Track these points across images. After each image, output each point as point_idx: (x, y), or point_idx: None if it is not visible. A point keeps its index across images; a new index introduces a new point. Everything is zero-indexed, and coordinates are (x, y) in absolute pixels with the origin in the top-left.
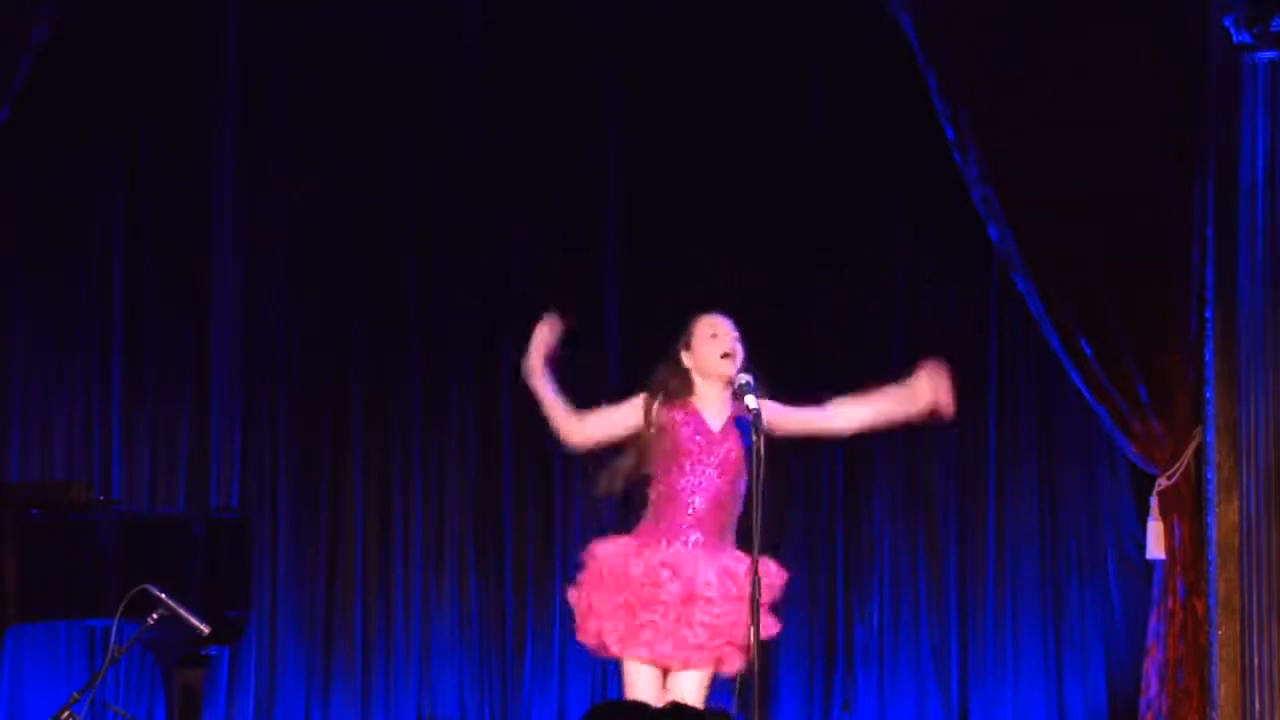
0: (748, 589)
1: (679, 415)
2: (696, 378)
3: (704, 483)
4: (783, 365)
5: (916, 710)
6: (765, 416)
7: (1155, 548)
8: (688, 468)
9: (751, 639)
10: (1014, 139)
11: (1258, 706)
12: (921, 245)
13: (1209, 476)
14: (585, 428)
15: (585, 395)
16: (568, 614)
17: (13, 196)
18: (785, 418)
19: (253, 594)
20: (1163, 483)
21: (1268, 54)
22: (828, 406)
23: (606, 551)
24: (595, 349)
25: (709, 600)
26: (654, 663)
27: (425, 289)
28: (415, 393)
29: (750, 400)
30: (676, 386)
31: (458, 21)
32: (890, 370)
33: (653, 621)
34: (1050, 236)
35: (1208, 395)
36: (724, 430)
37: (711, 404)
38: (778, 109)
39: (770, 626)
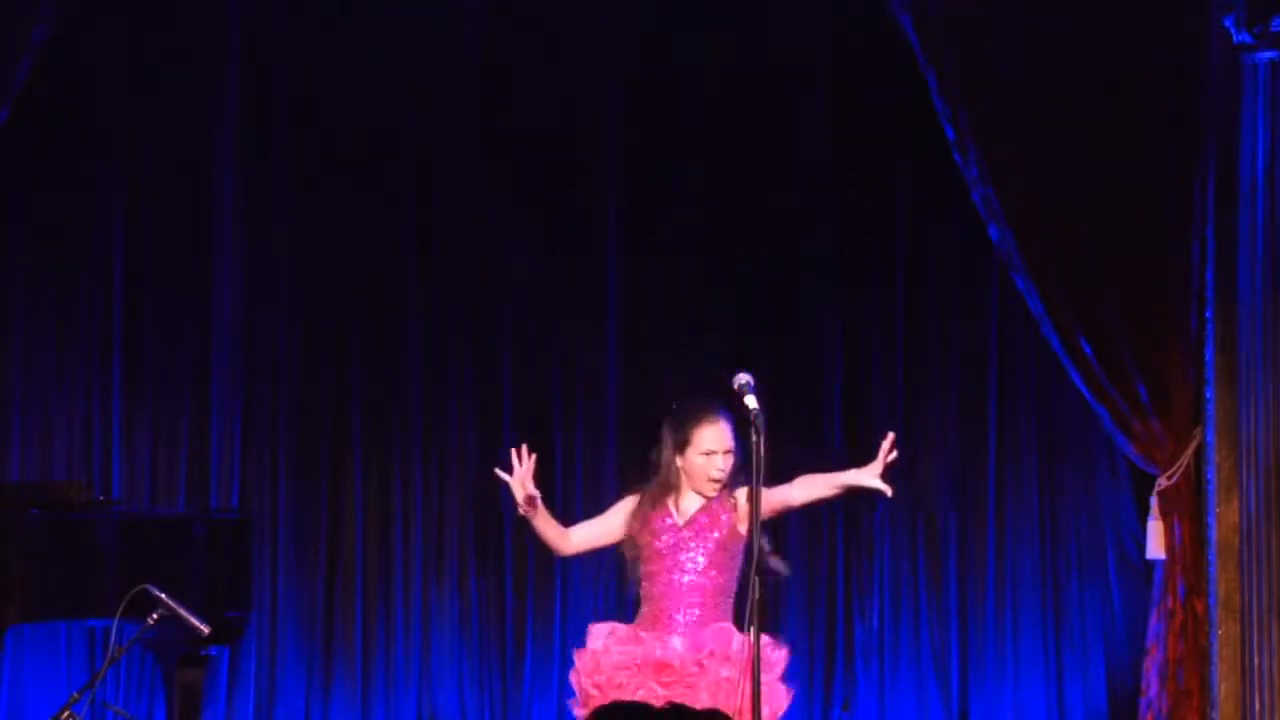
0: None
1: (660, 519)
2: (684, 478)
3: (689, 577)
4: (783, 366)
5: (916, 710)
6: (741, 501)
7: (1155, 548)
8: (669, 566)
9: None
10: (1014, 139)
11: (1258, 706)
12: (921, 245)
13: (1209, 476)
14: (574, 542)
15: (586, 395)
16: (568, 614)
17: (13, 197)
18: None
19: (253, 594)
20: (1163, 483)
21: (1268, 54)
22: (794, 483)
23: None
24: (596, 349)
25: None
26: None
27: (425, 289)
28: (415, 393)
29: (750, 401)
30: (659, 488)
31: (458, 21)
32: (890, 370)
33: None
34: (1050, 236)
35: (1208, 395)
36: (693, 520)
37: (688, 501)
38: (778, 109)
39: (781, 696)
